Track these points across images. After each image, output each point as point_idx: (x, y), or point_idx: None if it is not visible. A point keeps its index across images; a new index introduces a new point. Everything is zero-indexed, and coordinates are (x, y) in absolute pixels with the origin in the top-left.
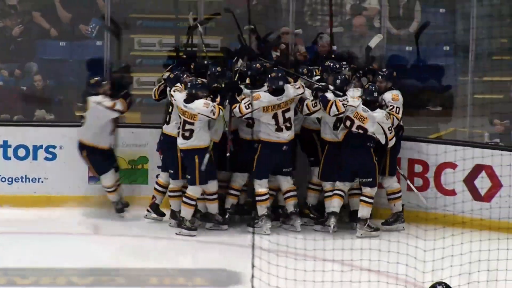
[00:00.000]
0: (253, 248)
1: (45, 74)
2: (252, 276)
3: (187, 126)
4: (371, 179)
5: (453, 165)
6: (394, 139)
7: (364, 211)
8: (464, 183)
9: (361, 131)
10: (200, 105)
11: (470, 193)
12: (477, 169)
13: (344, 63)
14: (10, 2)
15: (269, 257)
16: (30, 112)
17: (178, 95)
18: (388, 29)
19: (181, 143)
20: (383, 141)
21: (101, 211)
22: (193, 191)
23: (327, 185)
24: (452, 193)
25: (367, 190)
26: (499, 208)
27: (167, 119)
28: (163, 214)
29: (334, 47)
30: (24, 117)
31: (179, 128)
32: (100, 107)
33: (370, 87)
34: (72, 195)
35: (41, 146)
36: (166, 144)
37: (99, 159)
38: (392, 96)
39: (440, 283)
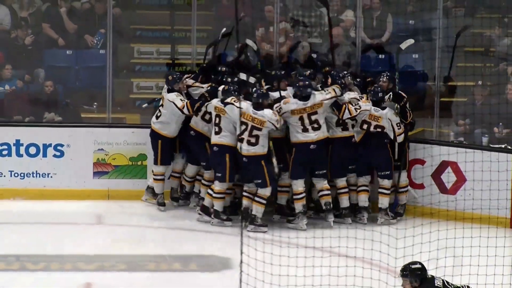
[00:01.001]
0: (241, 236)
1: (53, 79)
2: (241, 262)
3: (255, 132)
4: (388, 172)
5: (422, 161)
6: (403, 134)
7: (384, 201)
8: (432, 177)
9: (379, 130)
10: (270, 113)
11: (438, 187)
12: (443, 165)
13: (345, 72)
14: (22, 14)
15: (256, 244)
16: (40, 114)
17: (244, 104)
18: (362, 39)
19: (247, 149)
20: (391, 136)
21: (103, 203)
22: (264, 191)
23: (339, 182)
24: (421, 186)
25: (385, 183)
26: (463, 200)
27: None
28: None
29: (315, 55)
30: (34, 119)
31: (240, 135)
32: (172, 105)
33: (375, 88)
34: (78, 189)
35: (50, 145)
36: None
37: (167, 149)
38: (401, 93)
39: (414, 262)
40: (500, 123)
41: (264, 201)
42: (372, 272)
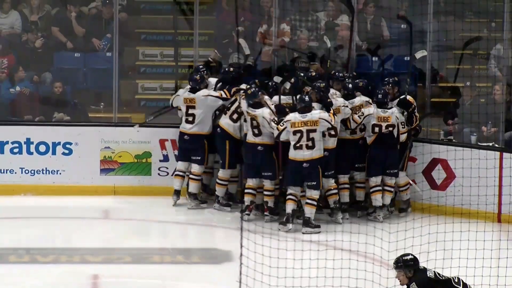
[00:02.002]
0: (241, 230)
1: (62, 81)
2: (241, 254)
3: (311, 135)
4: (396, 171)
5: (413, 159)
6: (405, 134)
7: (387, 199)
8: (423, 174)
9: (390, 129)
10: (324, 114)
11: (428, 183)
12: (434, 162)
13: (347, 74)
14: (32, 18)
15: (255, 238)
16: (49, 114)
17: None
18: (357, 42)
19: (309, 154)
20: (395, 135)
21: (110, 199)
22: (317, 193)
23: (341, 178)
24: (413, 183)
25: (392, 181)
26: (453, 196)
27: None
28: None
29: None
30: (44, 118)
31: (297, 141)
32: (209, 98)
33: (380, 91)
34: (86, 185)
35: (59, 143)
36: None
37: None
38: (409, 99)
39: (406, 254)
40: (489, 122)
41: (315, 203)
42: (366, 264)
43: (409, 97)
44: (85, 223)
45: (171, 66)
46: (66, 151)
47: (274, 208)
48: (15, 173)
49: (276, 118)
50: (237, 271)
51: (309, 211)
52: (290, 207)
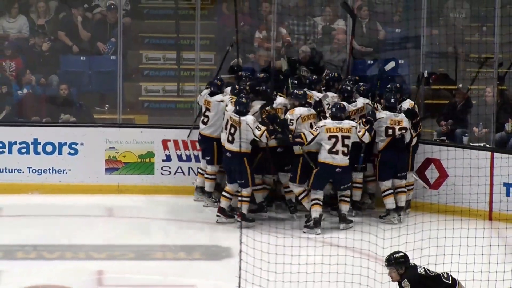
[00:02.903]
0: (241, 227)
1: (68, 83)
2: (240, 251)
3: (346, 142)
4: (405, 173)
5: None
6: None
7: (402, 199)
8: (417, 173)
9: (403, 131)
10: (354, 123)
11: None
12: (427, 162)
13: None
14: (39, 22)
15: (254, 235)
16: (56, 115)
17: (326, 120)
18: (354, 46)
19: (342, 159)
20: (407, 138)
21: (114, 197)
22: (349, 193)
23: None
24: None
25: (403, 182)
26: (446, 194)
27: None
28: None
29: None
30: (51, 119)
31: (333, 146)
32: (221, 104)
33: (392, 96)
34: (91, 184)
35: (65, 143)
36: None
37: (219, 149)
38: (409, 105)
39: (397, 252)
40: (480, 123)
41: (349, 200)
42: (361, 260)
43: (410, 102)
44: (90, 221)
45: (173, 69)
46: (72, 151)
47: (247, 215)
48: (23, 172)
49: (259, 125)
50: (237, 267)
51: (345, 208)
52: (317, 211)
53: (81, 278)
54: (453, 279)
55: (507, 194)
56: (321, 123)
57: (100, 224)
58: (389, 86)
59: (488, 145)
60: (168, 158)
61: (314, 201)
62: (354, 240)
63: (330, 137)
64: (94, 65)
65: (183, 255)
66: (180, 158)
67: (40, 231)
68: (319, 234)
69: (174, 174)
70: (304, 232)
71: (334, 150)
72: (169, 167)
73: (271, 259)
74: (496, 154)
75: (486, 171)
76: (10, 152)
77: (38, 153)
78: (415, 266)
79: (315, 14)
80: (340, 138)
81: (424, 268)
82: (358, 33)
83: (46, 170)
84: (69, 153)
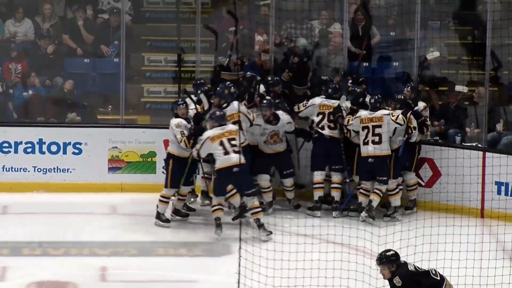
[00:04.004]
0: (240, 225)
1: (72, 85)
2: (240, 248)
3: (377, 131)
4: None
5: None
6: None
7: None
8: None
9: (414, 130)
10: (387, 111)
11: None
12: (421, 161)
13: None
14: (44, 26)
15: (253, 232)
16: (61, 115)
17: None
18: (349, 48)
19: (373, 149)
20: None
21: (117, 195)
22: (385, 187)
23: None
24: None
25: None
26: (439, 193)
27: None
28: None
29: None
30: (56, 120)
31: (364, 139)
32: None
33: (400, 96)
34: (94, 183)
35: (69, 143)
36: None
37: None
38: (423, 106)
39: (389, 250)
40: (472, 124)
41: (381, 194)
42: (357, 257)
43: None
44: (94, 218)
45: (174, 71)
46: (76, 151)
47: (179, 211)
48: (28, 171)
49: (184, 131)
50: (236, 263)
51: (375, 201)
52: (362, 200)
53: (85, 273)
54: (441, 276)
55: (499, 193)
56: (357, 114)
57: (103, 221)
58: (408, 84)
59: (480, 145)
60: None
61: (360, 191)
62: (350, 237)
63: (363, 128)
64: (98, 67)
65: (184, 252)
66: None
67: (45, 228)
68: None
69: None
70: (362, 221)
71: (366, 140)
72: None
73: (269, 255)
74: (488, 154)
75: (478, 170)
76: (16, 151)
77: (43, 153)
78: (405, 264)
79: (312, 18)
80: (371, 128)
81: (413, 265)
82: (353, 36)
83: (51, 169)
84: (73, 153)
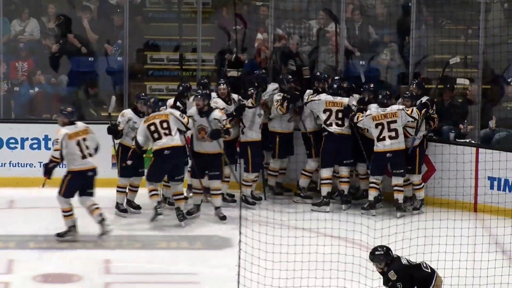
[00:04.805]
0: (240, 219)
1: (77, 83)
2: (240, 241)
3: (392, 126)
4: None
5: None
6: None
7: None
8: None
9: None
10: (401, 107)
11: None
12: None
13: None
14: (50, 26)
15: (253, 226)
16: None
17: None
18: (346, 47)
19: (390, 144)
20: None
21: None
22: (402, 180)
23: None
24: None
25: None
26: (433, 187)
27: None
28: None
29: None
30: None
31: (379, 135)
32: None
33: (411, 94)
34: (99, 178)
35: None
36: None
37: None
38: (430, 101)
39: (381, 246)
40: (465, 120)
41: (403, 189)
42: (354, 250)
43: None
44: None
45: (176, 69)
46: None
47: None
48: (34, 167)
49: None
50: (237, 256)
51: (400, 197)
52: (372, 194)
53: (89, 266)
54: (431, 268)
55: (491, 187)
56: (369, 111)
57: (107, 215)
58: (412, 81)
59: (473, 141)
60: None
61: (371, 185)
62: (346, 231)
63: (376, 125)
64: (102, 65)
65: (186, 245)
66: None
67: (51, 222)
68: (374, 215)
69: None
70: (362, 214)
71: (381, 137)
72: None
73: (269, 248)
74: (481, 150)
75: (471, 165)
76: (22, 147)
77: (49, 149)
78: (398, 258)
79: (310, 18)
80: (385, 124)
81: (406, 258)
82: (351, 35)
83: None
84: None
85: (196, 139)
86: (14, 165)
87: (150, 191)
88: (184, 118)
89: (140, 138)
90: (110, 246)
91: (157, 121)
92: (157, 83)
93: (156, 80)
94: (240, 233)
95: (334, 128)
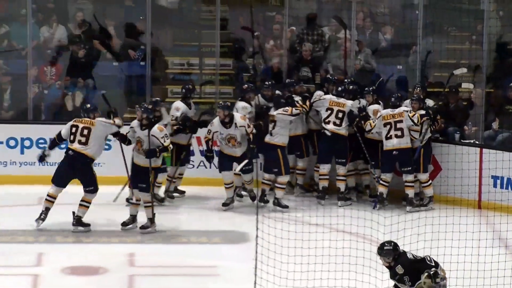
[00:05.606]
0: (257, 215)
1: (102, 87)
2: (257, 236)
3: (399, 126)
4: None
5: None
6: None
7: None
8: None
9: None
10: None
11: None
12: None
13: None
14: (76, 32)
15: (269, 222)
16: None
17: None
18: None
19: (397, 142)
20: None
21: None
22: (411, 178)
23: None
24: None
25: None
26: (439, 185)
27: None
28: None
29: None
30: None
31: (386, 134)
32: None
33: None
34: (122, 176)
35: None
36: None
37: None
38: (434, 103)
39: (389, 242)
40: (469, 122)
41: (413, 185)
42: (364, 244)
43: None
44: (121, 208)
45: (196, 73)
46: (107, 147)
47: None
48: None
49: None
50: (254, 250)
51: (411, 193)
52: (381, 190)
53: (114, 259)
54: (435, 262)
55: (494, 186)
56: (380, 113)
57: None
58: (417, 84)
59: (477, 142)
60: (192, 153)
61: (381, 182)
62: (358, 226)
63: (385, 125)
64: (126, 70)
65: (205, 240)
66: (202, 152)
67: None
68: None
69: (197, 167)
70: (374, 208)
71: (388, 135)
72: (193, 161)
73: (284, 243)
74: (484, 150)
75: (475, 165)
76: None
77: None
78: (404, 253)
79: (322, 24)
80: (393, 124)
81: (411, 253)
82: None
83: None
84: (104, 149)
85: (134, 150)
86: (43, 163)
87: (48, 195)
88: (111, 120)
89: (63, 131)
90: (133, 241)
91: (80, 126)
92: (178, 87)
93: (177, 84)
94: (257, 228)
95: (330, 127)
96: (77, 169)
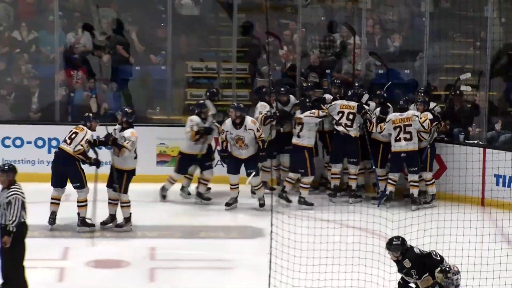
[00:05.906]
0: (271, 211)
1: (125, 90)
2: (271, 231)
3: (408, 129)
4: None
5: None
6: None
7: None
8: None
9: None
10: (416, 113)
11: None
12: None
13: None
14: (101, 38)
15: (283, 218)
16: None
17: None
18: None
19: (405, 144)
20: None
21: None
22: (416, 178)
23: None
24: None
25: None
26: (445, 184)
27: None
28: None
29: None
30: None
31: (396, 137)
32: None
33: (423, 99)
34: (145, 174)
35: None
36: None
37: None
38: (439, 106)
39: (397, 237)
40: (473, 124)
41: (418, 184)
42: (374, 239)
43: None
44: (144, 205)
45: (214, 77)
46: None
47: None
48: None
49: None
50: (268, 245)
51: (415, 192)
52: (389, 189)
53: (136, 253)
54: (441, 256)
55: (497, 184)
56: (389, 117)
57: (153, 208)
58: (421, 89)
59: (481, 142)
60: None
61: (388, 181)
62: (367, 222)
63: (395, 128)
64: (147, 74)
65: (222, 234)
66: (219, 152)
67: (102, 213)
68: (388, 207)
69: (215, 166)
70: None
71: (398, 138)
72: (213, 158)
73: (297, 238)
74: (488, 150)
75: (479, 164)
76: None
77: (100, 148)
78: (411, 248)
79: (333, 31)
80: (402, 127)
81: (418, 248)
82: (371, 47)
83: (107, 162)
84: None
85: (114, 153)
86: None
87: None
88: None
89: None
90: (155, 236)
91: (73, 130)
92: (196, 90)
93: (196, 87)
94: (271, 224)
95: (342, 128)
96: (62, 166)
